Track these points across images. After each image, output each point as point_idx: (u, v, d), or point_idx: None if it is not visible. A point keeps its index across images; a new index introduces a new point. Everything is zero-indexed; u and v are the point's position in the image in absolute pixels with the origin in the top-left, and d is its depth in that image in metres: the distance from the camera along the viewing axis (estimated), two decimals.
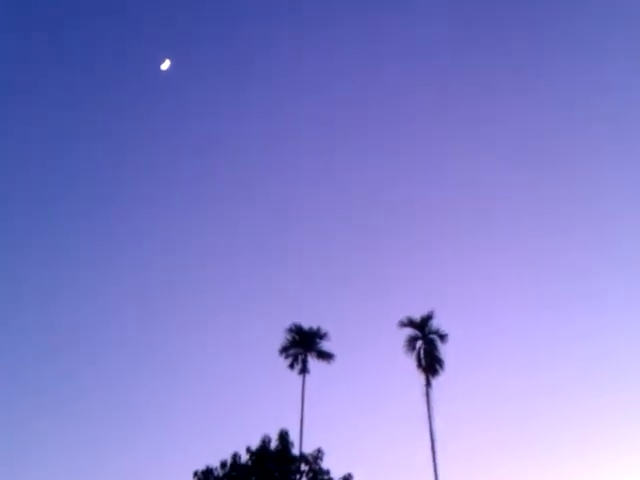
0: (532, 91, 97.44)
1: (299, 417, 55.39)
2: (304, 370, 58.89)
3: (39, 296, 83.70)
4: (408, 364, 56.82)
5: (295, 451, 44.39)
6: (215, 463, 42.93)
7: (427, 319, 57.72)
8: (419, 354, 56.97)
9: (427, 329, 57.56)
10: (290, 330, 60.48)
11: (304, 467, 43.48)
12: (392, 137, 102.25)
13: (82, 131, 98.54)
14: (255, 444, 43.13)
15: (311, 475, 43.05)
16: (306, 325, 60.36)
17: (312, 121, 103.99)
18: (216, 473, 42.41)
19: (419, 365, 56.74)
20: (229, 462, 42.78)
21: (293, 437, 45.19)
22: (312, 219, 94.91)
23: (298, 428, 54.10)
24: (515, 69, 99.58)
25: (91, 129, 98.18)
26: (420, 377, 56.61)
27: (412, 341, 57.33)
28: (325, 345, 59.90)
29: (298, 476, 43.15)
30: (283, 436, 43.60)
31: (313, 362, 59.44)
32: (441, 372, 56.70)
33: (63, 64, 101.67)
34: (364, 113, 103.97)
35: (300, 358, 59.52)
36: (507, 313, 77.70)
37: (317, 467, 43.16)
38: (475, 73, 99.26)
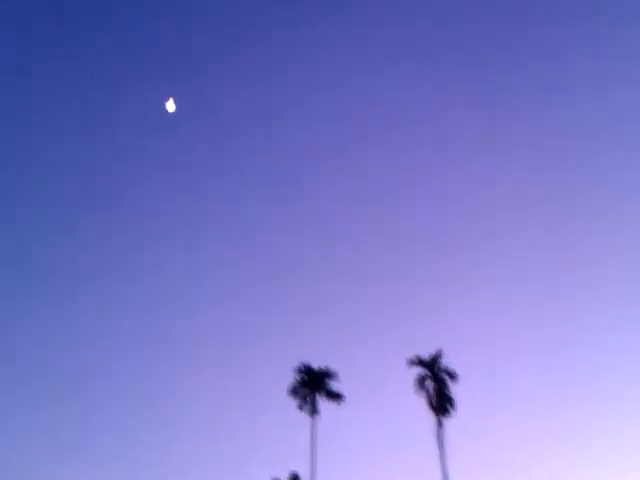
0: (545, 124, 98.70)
1: (310, 459, 54.87)
2: (314, 411, 58.47)
3: (39, 339, 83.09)
4: (419, 402, 56.65)
5: None
6: None
7: (436, 358, 57.55)
8: (429, 394, 56.61)
9: (437, 368, 57.30)
10: (299, 370, 60.23)
11: None
12: (403, 174, 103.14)
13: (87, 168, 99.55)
14: None
15: None
16: (315, 364, 60.29)
17: (323, 153, 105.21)
18: None
19: (430, 405, 56.34)
20: None
21: None
22: (319, 257, 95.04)
23: (309, 470, 53.57)
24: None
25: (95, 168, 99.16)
26: (431, 417, 56.23)
27: (422, 380, 57.05)
28: (334, 385, 59.63)
29: None
30: (294, 479, 43.17)
31: (323, 403, 59.09)
32: (452, 412, 56.34)
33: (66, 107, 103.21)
34: (380, 149, 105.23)
35: (309, 399, 59.13)
36: (518, 352, 76.84)
37: None
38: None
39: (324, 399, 59.19)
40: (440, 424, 55.85)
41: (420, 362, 57.56)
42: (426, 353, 57.81)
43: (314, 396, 59.18)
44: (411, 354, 57.79)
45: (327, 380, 59.57)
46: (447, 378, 57.06)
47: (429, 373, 57.29)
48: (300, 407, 58.87)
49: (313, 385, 59.41)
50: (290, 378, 59.96)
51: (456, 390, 56.96)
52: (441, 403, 56.39)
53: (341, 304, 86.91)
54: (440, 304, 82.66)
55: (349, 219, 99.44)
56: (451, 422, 56.23)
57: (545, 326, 78.75)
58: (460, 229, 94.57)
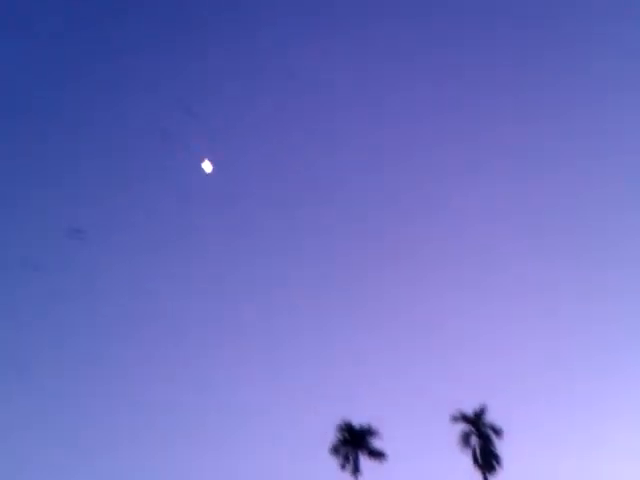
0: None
1: None
2: (356, 470, 57.48)
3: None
4: (463, 459, 55.47)
5: None
6: None
7: (480, 414, 56.50)
8: (474, 451, 55.42)
9: (481, 424, 56.20)
10: (340, 428, 59.43)
11: None
12: (439, 215, 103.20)
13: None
14: None
15: None
16: (355, 420, 59.47)
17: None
18: None
19: (475, 462, 55.17)
20: None
21: None
22: (361, 311, 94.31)
23: None
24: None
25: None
26: (477, 474, 54.98)
27: (466, 437, 55.99)
28: (376, 443, 58.61)
29: None
30: None
31: (365, 461, 58.05)
32: (499, 468, 55.05)
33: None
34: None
35: (351, 458, 58.19)
36: (564, 405, 74.56)
37: None
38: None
39: (366, 457, 58.29)
40: None
41: (464, 418, 56.58)
42: (470, 408, 57.02)
43: (356, 455, 58.26)
44: (454, 409, 56.98)
45: (369, 438, 58.67)
46: (492, 434, 55.89)
47: (473, 429, 56.20)
48: (342, 466, 57.97)
49: (355, 443, 58.51)
50: (331, 435, 59.40)
51: (502, 446, 55.85)
52: (486, 460, 55.20)
53: (383, 359, 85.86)
54: (485, 357, 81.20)
55: (385, 272, 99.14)
56: (497, 479, 54.99)
57: (592, 379, 76.61)
58: (503, 275, 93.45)
